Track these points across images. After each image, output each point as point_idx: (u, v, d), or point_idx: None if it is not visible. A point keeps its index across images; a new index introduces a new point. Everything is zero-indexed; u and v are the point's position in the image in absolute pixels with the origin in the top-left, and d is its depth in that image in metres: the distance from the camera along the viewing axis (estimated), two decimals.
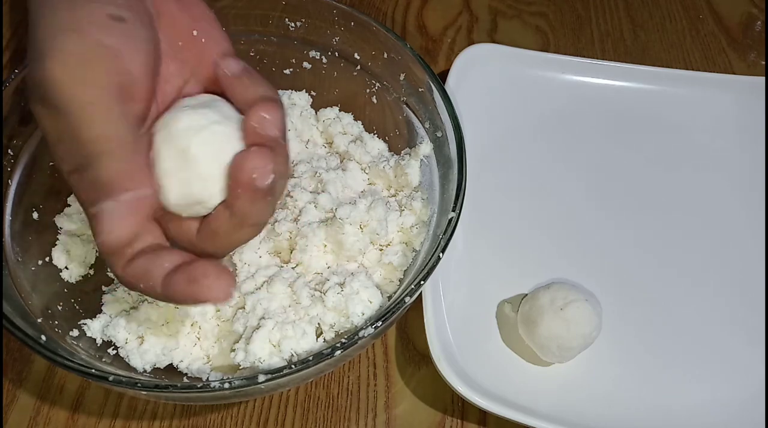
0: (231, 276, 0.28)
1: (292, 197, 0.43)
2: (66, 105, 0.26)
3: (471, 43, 0.64)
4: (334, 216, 0.40)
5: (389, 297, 0.40)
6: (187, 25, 0.31)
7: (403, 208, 0.43)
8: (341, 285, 0.39)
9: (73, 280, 0.41)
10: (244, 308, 0.39)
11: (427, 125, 0.44)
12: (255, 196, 0.28)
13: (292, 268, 0.41)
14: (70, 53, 0.26)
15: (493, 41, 0.64)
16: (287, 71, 0.49)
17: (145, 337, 0.38)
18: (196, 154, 0.28)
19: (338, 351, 0.32)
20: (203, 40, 0.32)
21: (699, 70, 0.63)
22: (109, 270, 0.33)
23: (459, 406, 0.43)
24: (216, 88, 0.32)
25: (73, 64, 0.26)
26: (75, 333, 0.38)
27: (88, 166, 0.27)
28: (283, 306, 0.39)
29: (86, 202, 0.28)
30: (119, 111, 0.27)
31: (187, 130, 0.29)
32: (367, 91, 0.48)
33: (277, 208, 0.43)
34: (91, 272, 0.42)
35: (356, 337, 0.33)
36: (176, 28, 0.31)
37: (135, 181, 0.28)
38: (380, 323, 0.33)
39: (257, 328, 0.37)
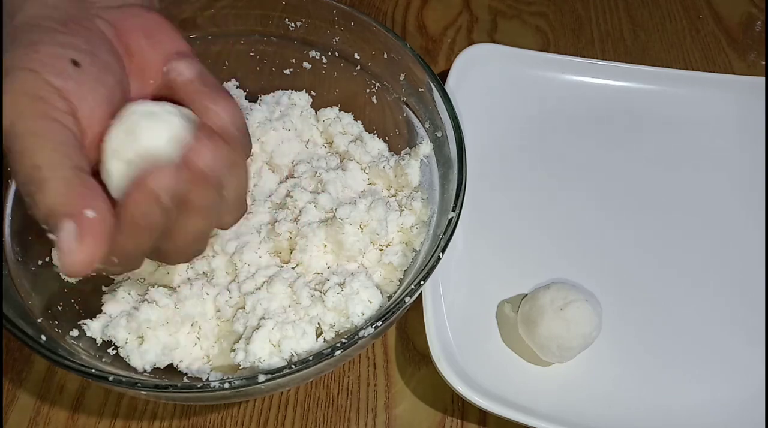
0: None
1: (292, 197, 0.43)
2: (12, 136, 0.26)
3: (471, 43, 0.64)
4: (334, 216, 0.40)
5: (389, 297, 0.40)
6: (159, 63, 0.31)
7: (403, 208, 0.43)
8: (341, 285, 0.39)
9: (73, 280, 0.41)
10: (244, 308, 0.39)
11: (427, 125, 0.44)
12: (199, 180, 0.28)
13: (292, 268, 0.41)
14: (21, 89, 0.26)
15: (493, 41, 0.64)
16: (287, 71, 0.49)
17: (145, 337, 0.38)
18: (143, 134, 0.28)
19: (338, 351, 0.32)
20: (175, 77, 0.31)
21: (699, 70, 0.63)
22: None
23: (459, 406, 0.43)
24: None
25: (21, 98, 0.26)
26: (75, 333, 0.38)
27: (34, 192, 0.26)
28: (283, 306, 0.39)
29: (42, 224, 0.27)
30: (64, 144, 0.27)
31: (140, 113, 0.28)
32: (367, 91, 0.48)
33: (277, 209, 0.44)
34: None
35: (356, 337, 0.33)
36: (147, 68, 0.31)
37: (79, 205, 0.26)
38: (380, 323, 0.33)
39: (257, 328, 0.37)
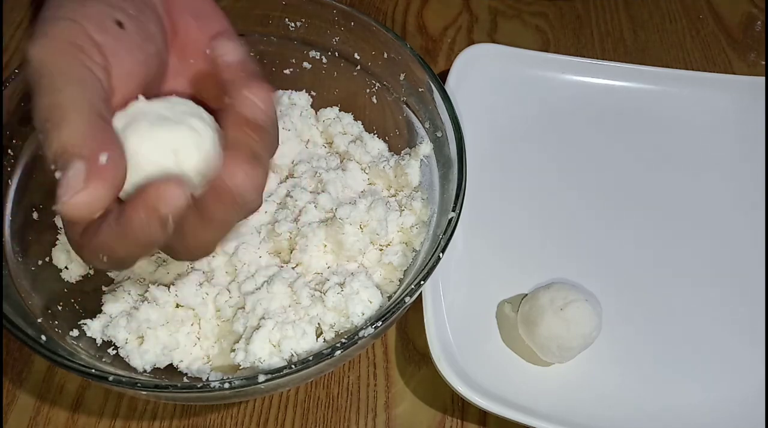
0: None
1: (292, 197, 0.43)
2: (40, 72, 0.26)
3: (471, 43, 0.64)
4: (334, 216, 0.40)
5: (389, 297, 0.40)
6: (201, 44, 0.31)
7: (403, 208, 0.43)
8: (341, 285, 0.39)
9: (73, 280, 0.41)
10: (244, 308, 0.39)
11: (427, 125, 0.44)
12: (226, 199, 0.27)
13: (292, 268, 0.41)
14: (61, 35, 0.26)
15: (493, 41, 0.64)
16: (287, 71, 0.49)
17: (145, 337, 0.38)
18: (172, 146, 0.27)
19: (338, 351, 0.32)
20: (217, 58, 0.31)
21: (699, 70, 0.63)
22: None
23: (459, 406, 0.43)
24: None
25: (59, 42, 0.26)
26: (75, 333, 0.38)
27: (49, 129, 0.26)
28: (283, 306, 0.39)
29: (50, 162, 0.26)
30: (91, 90, 0.26)
31: (164, 118, 0.28)
32: (367, 91, 0.48)
33: (277, 209, 0.44)
34: (91, 272, 0.42)
35: (356, 337, 0.33)
36: (189, 47, 0.31)
37: (94, 148, 0.26)
38: (380, 323, 0.33)
39: (257, 328, 0.37)
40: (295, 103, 0.49)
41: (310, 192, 0.44)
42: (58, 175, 0.25)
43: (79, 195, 0.25)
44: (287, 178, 0.46)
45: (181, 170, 0.27)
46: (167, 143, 0.28)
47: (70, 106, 0.25)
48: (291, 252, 0.42)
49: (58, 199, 0.25)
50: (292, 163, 0.47)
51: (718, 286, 0.49)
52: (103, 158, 0.25)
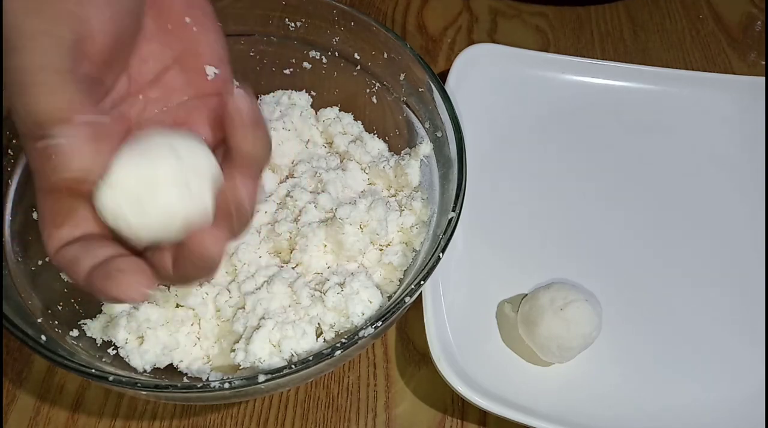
0: (148, 277, 0.26)
1: (292, 197, 0.43)
2: (14, 33, 0.25)
3: (471, 43, 0.64)
4: (334, 216, 0.40)
5: (389, 297, 0.40)
6: (180, 11, 0.30)
7: (403, 208, 0.43)
8: (341, 285, 0.39)
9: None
10: (244, 308, 0.39)
11: (427, 125, 0.44)
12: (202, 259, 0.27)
13: (292, 268, 0.41)
14: None
15: (493, 41, 0.64)
16: (287, 71, 0.49)
17: (145, 337, 0.38)
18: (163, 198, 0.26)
19: (338, 351, 0.32)
20: (195, 29, 0.31)
21: (699, 70, 0.63)
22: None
23: (459, 406, 0.43)
24: (199, 86, 0.31)
25: (34, 2, 0.25)
26: (75, 333, 0.38)
27: (35, 93, 0.24)
28: (283, 306, 0.39)
29: (25, 138, 0.26)
30: (70, 50, 0.25)
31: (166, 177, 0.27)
32: (367, 91, 0.48)
33: (277, 209, 0.44)
34: None
35: (356, 337, 0.33)
36: (168, 11, 0.30)
37: (91, 110, 0.25)
38: (380, 323, 0.33)
39: (257, 328, 0.37)
40: (295, 103, 0.49)
41: (310, 192, 0.44)
42: (43, 143, 0.24)
43: (85, 156, 0.25)
44: (287, 177, 0.46)
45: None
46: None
47: (47, 66, 0.24)
48: (291, 252, 0.42)
49: (60, 166, 0.25)
50: (292, 163, 0.47)
51: (718, 286, 0.49)
52: (104, 119, 0.25)
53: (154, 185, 0.26)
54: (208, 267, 0.27)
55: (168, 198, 0.26)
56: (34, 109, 0.24)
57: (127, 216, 0.27)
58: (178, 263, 0.27)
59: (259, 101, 0.49)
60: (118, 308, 0.39)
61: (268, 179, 0.45)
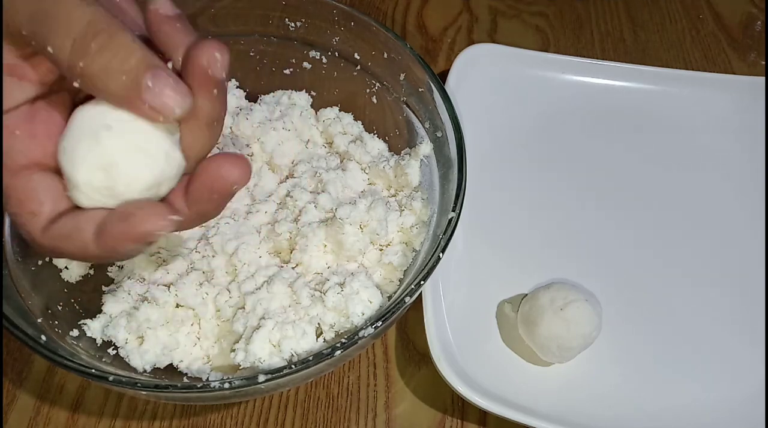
0: (168, 209, 0.26)
1: (292, 197, 0.43)
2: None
3: (471, 43, 0.64)
4: (334, 216, 0.40)
5: (389, 297, 0.40)
6: None
7: (403, 208, 0.43)
8: (341, 285, 0.39)
9: (73, 280, 0.41)
10: (244, 308, 0.39)
11: (427, 125, 0.44)
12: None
13: (292, 268, 0.41)
14: None
15: (493, 41, 0.64)
16: (287, 71, 0.49)
17: (145, 337, 0.38)
18: (125, 180, 0.26)
19: (338, 351, 0.32)
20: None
21: (699, 70, 0.63)
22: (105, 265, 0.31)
23: (459, 406, 0.43)
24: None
25: None
26: (75, 333, 0.38)
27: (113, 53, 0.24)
28: (283, 306, 0.39)
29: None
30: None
31: (122, 149, 0.26)
32: (367, 91, 0.48)
33: (277, 209, 0.44)
34: (91, 272, 0.42)
35: (356, 337, 0.33)
36: None
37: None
38: (380, 323, 0.33)
39: (257, 328, 0.37)
40: (295, 103, 0.49)
41: (310, 192, 0.44)
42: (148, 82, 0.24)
43: (181, 94, 0.25)
44: (287, 178, 0.46)
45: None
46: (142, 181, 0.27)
47: (116, 29, 0.24)
48: (291, 252, 0.42)
49: (159, 101, 0.25)
50: (292, 163, 0.47)
51: (718, 286, 0.49)
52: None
53: (113, 168, 0.26)
54: (227, 191, 0.27)
55: (132, 174, 0.26)
56: (135, 58, 0.24)
57: (109, 206, 0.26)
58: (193, 197, 0.27)
59: (259, 101, 0.49)
60: (119, 308, 0.39)
61: (269, 179, 0.45)
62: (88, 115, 0.26)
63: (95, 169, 0.26)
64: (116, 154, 0.26)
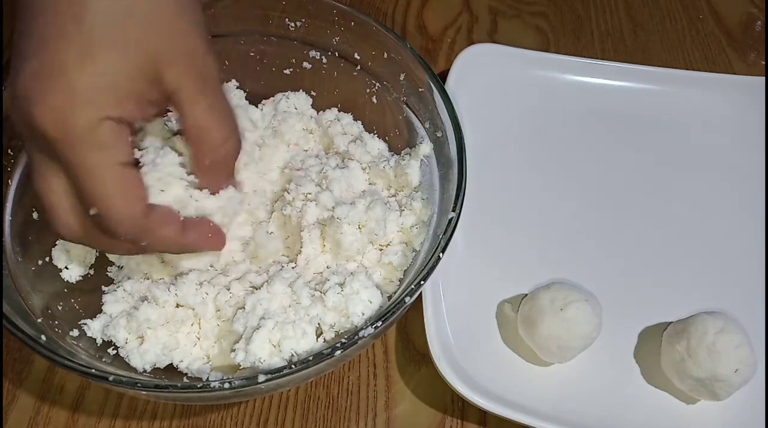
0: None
1: (291, 191, 0.43)
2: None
3: (471, 43, 0.64)
4: (333, 215, 0.40)
5: (389, 297, 0.40)
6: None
7: (403, 208, 0.43)
8: (341, 285, 0.39)
9: (73, 280, 0.41)
10: (244, 308, 0.39)
11: (427, 125, 0.44)
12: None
13: (292, 268, 0.41)
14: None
15: (493, 41, 0.64)
16: (287, 71, 0.49)
17: (145, 337, 0.38)
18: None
19: (338, 351, 0.32)
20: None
21: (699, 70, 0.63)
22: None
23: (459, 406, 0.43)
24: None
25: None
26: (75, 333, 0.38)
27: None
28: (283, 306, 0.39)
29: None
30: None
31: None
32: (367, 91, 0.48)
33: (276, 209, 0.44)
34: (91, 272, 0.42)
35: (356, 337, 0.33)
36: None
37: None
38: (380, 323, 0.33)
39: (257, 328, 0.37)
40: (295, 104, 0.49)
41: (316, 184, 0.43)
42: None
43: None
44: (288, 182, 0.46)
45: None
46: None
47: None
48: (291, 252, 0.42)
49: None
50: (293, 163, 0.46)
51: (717, 286, 0.49)
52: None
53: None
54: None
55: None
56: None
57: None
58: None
59: (260, 107, 0.48)
60: (119, 308, 0.39)
61: (269, 180, 0.45)
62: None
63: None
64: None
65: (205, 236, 0.36)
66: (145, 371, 0.38)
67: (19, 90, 0.29)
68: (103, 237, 0.32)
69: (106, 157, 0.30)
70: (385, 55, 0.45)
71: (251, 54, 0.48)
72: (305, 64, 0.49)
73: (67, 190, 0.31)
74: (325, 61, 0.48)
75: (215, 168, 0.35)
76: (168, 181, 0.34)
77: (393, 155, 0.47)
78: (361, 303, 0.38)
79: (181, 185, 0.34)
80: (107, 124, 0.29)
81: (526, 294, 0.46)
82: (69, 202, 0.31)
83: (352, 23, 0.46)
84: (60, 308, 0.39)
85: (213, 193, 0.36)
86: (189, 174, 0.35)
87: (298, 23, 0.47)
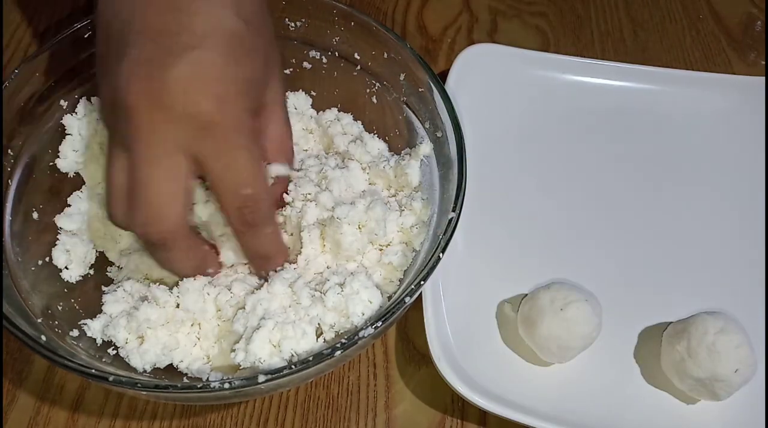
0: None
1: (291, 194, 0.43)
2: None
3: (471, 43, 0.64)
4: (333, 215, 0.40)
5: (389, 297, 0.40)
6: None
7: (403, 208, 0.43)
8: (341, 285, 0.39)
9: (73, 280, 0.41)
10: (244, 308, 0.39)
11: (427, 125, 0.44)
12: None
13: (293, 269, 0.41)
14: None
15: (493, 41, 0.64)
16: (287, 71, 0.49)
17: (145, 337, 0.38)
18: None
19: (338, 351, 0.32)
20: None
21: (699, 70, 0.63)
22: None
23: (459, 406, 0.43)
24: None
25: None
26: (75, 333, 0.38)
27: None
28: (283, 306, 0.39)
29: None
30: None
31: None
32: (367, 91, 0.48)
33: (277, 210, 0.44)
34: (91, 272, 0.42)
35: (356, 337, 0.33)
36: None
37: None
38: (380, 323, 0.33)
39: (257, 328, 0.37)
40: (295, 104, 0.49)
41: (316, 184, 0.43)
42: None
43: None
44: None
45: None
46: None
47: None
48: (291, 252, 0.42)
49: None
50: (300, 162, 0.46)
51: (718, 286, 0.49)
52: None
53: None
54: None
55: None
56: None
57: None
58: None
59: None
60: (119, 308, 0.39)
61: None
62: None
63: None
64: None
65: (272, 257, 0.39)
66: (145, 371, 0.38)
67: (168, 76, 0.32)
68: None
69: (253, 145, 0.34)
70: (385, 55, 0.45)
71: None
72: (305, 64, 0.49)
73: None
74: (325, 61, 0.48)
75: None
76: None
77: (393, 155, 0.47)
78: (361, 303, 0.38)
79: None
80: (252, 117, 0.34)
81: (526, 294, 0.46)
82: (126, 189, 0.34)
83: (352, 23, 0.46)
84: (60, 308, 0.39)
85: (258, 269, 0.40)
86: None
87: (298, 23, 0.47)
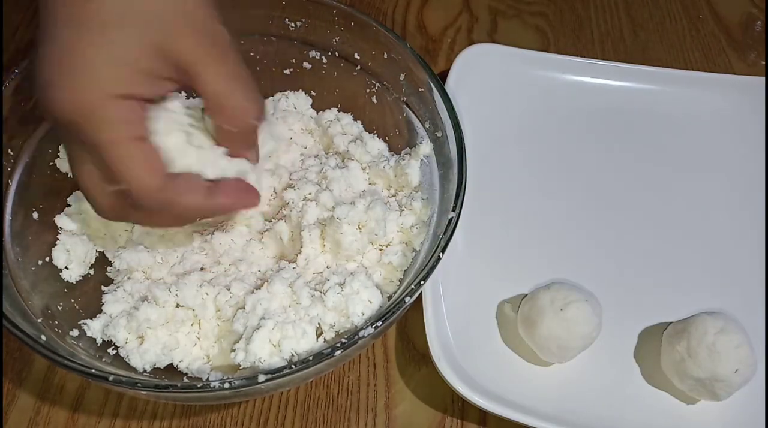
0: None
1: (293, 191, 0.43)
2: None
3: (471, 43, 0.64)
4: (333, 215, 0.40)
5: (389, 297, 0.40)
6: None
7: (403, 207, 0.43)
8: (341, 285, 0.39)
9: (73, 280, 0.41)
10: (244, 308, 0.39)
11: (427, 125, 0.44)
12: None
13: (293, 269, 0.41)
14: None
15: (493, 41, 0.64)
16: (287, 71, 0.49)
17: (145, 337, 0.38)
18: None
19: (338, 351, 0.32)
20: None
21: (699, 70, 0.63)
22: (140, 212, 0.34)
23: (459, 406, 0.43)
24: None
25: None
26: (75, 333, 0.38)
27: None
28: (283, 306, 0.39)
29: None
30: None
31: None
32: (367, 91, 0.48)
33: (276, 208, 0.44)
34: (91, 272, 0.42)
35: (356, 337, 0.33)
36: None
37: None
38: (380, 323, 0.33)
39: (257, 328, 0.37)
40: (294, 104, 0.48)
41: (316, 183, 0.43)
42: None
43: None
44: (288, 185, 0.46)
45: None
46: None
47: None
48: (291, 252, 0.42)
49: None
50: (292, 165, 0.46)
51: (717, 286, 0.49)
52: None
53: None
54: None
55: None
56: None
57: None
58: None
59: None
60: (119, 308, 0.39)
61: (269, 178, 0.45)
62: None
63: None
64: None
65: (235, 196, 0.35)
66: (145, 371, 0.38)
67: (38, 79, 0.30)
68: (139, 213, 0.33)
69: (118, 133, 0.30)
70: (385, 55, 0.45)
71: (251, 54, 0.48)
72: (305, 64, 0.49)
73: (98, 171, 0.32)
74: (325, 61, 0.48)
75: (240, 138, 0.34)
76: (169, 129, 0.33)
77: (393, 155, 0.47)
78: (361, 303, 0.38)
79: (181, 136, 0.33)
80: (117, 101, 0.30)
81: (526, 294, 0.46)
82: (101, 182, 0.32)
83: (352, 23, 0.46)
84: (60, 308, 0.39)
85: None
86: (191, 125, 0.34)
87: (298, 23, 0.47)
